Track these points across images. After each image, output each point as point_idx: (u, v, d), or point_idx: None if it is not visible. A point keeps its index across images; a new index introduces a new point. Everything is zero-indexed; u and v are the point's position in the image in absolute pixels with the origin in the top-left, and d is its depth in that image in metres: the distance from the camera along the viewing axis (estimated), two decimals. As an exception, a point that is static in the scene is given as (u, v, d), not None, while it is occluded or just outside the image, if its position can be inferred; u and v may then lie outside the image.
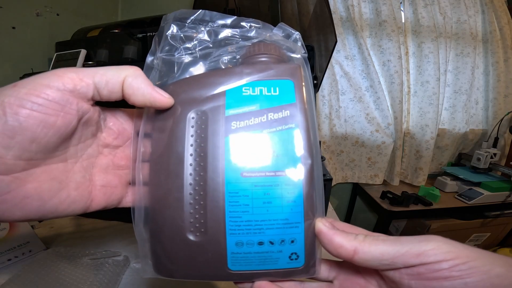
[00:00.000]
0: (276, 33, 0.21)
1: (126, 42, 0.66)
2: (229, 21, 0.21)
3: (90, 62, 0.65)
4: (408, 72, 1.05)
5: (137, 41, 0.66)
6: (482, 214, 0.93)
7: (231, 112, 0.17)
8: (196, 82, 0.18)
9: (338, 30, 0.96)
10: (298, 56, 0.20)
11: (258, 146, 0.17)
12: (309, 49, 0.72)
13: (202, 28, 0.21)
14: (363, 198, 1.18)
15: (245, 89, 0.18)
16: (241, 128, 0.17)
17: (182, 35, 0.21)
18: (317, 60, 0.73)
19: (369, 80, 1.01)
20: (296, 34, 0.21)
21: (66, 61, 0.66)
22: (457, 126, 1.09)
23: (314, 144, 0.18)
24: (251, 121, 0.17)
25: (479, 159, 0.98)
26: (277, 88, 0.18)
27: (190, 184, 0.17)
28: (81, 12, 0.87)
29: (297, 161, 0.17)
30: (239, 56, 0.20)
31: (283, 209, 0.17)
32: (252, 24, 0.21)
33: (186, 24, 0.21)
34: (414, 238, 0.16)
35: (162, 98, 0.18)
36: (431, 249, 0.15)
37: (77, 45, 0.68)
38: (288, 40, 0.21)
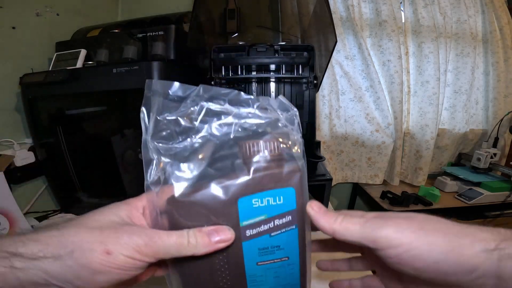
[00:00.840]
0: (275, 118, 0.22)
1: (126, 42, 0.66)
2: (221, 105, 0.22)
3: (90, 62, 0.65)
4: (408, 72, 1.05)
5: (137, 41, 0.66)
6: (482, 214, 0.93)
7: (245, 223, 0.21)
8: (209, 197, 0.21)
9: (338, 30, 0.96)
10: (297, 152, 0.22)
11: (267, 245, 0.22)
12: (309, 49, 0.72)
13: (192, 109, 0.22)
14: (363, 198, 1.18)
15: (254, 201, 0.21)
16: (254, 235, 0.22)
17: (174, 118, 0.22)
18: (317, 60, 0.73)
19: (369, 80, 1.01)
20: (294, 112, 0.23)
21: (66, 61, 0.66)
22: (457, 126, 1.09)
23: (306, 235, 0.23)
24: (261, 228, 0.22)
25: (479, 159, 0.98)
26: (281, 197, 0.21)
27: (218, 272, 0.22)
28: (81, 12, 0.87)
29: (295, 250, 0.23)
30: (238, 150, 0.22)
31: (286, 280, 0.24)
32: (247, 99, 0.22)
33: (173, 103, 0.23)
34: (378, 221, 0.18)
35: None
36: (381, 237, 0.17)
37: (77, 45, 0.68)
38: (286, 129, 0.23)
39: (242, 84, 0.76)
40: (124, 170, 0.67)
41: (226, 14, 0.82)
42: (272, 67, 0.74)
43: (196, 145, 0.22)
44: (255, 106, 0.22)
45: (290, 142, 0.22)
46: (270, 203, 0.21)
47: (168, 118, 0.22)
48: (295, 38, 0.92)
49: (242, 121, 0.22)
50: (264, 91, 0.76)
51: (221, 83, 0.75)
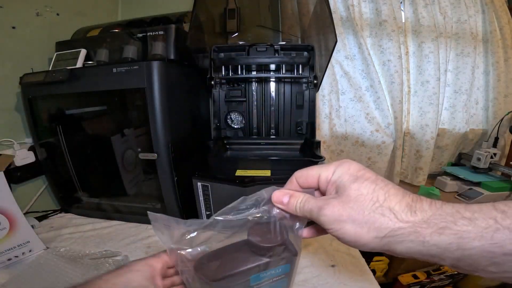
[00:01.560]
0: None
1: (126, 41, 0.66)
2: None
3: (90, 62, 0.65)
4: (408, 72, 1.05)
5: (137, 40, 0.66)
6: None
7: (253, 284, 0.31)
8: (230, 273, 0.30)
9: (338, 30, 0.96)
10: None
11: None
12: (309, 49, 0.72)
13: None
14: (363, 198, 1.18)
15: (262, 275, 0.31)
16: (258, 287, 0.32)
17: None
18: (317, 60, 0.73)
19: (369, 80, 1.01)
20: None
21: (66, 60, 0.66)
22: (457, 126, 1.09)
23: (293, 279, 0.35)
24: (264, 283, 0.32)
25: (479, 159, 0.98)
26: (280, 269, 0.31)
27: None
28: (81, 12, 0.87)
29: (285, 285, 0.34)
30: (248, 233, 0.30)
31: None
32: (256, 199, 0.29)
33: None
34: (321, 205, 0.24)
35: None
36: (324, 217, 0.23)
37: (77, 44, 0.68)
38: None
39: (242, 84, 0.76)
40: (124, 170, 0.67)
41: (226, 14, 0.82)
42: (272, 67, 0.74)
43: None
44: (261, 206, 0.29)
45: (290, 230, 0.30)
46: (272, 273, 0.31)
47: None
48: (295, 38, 0.92)
49: (250, 218, 0.29)
50: (264, 91, 0.76)
51: (221, 83, 0.75)
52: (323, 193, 0.27)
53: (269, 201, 0.29)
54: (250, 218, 0.29)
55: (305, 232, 0.31)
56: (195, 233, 0.29)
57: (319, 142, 0.68)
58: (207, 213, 0.59)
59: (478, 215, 0.19)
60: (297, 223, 0.29)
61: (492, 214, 0.18)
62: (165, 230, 0.29)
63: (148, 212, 0.28)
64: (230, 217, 0.28)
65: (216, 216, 0.28)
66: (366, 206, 0.22)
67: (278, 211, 0.29)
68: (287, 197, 0.27)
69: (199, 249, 0.29)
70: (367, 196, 0.22)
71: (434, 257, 0.20)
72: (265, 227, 0.30)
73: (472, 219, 0.19)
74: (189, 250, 0.29)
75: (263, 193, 0.29)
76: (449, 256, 0.19)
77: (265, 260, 0.30)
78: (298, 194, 0.27)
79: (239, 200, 0.29)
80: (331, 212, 0.23)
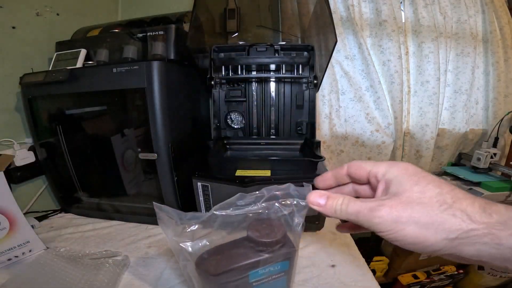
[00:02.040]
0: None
1: (126, 41, 0.66)
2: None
3: (90, 62, 0.65)
4: (408, 72, 1.05)
5: (137, 41, 0.66)
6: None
7: (253, 280, 0.32)
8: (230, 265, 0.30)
9: (338, 30, 0.96)
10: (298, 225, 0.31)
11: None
12: (309, 49, 0.72)
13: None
14: (363, 198, 1.18)
15: (261, 271, 0.31)
16: (258, 284, 0.33)
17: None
18: (317, 60, 0.73)
19: (369, 80, 1.01)
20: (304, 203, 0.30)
21: (66, 61, 0.66)
22: (457, 126, 1.09)
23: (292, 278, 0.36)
24: (263, 280, 0.32)
25: (479, 159, 0.98)
26: (279, 266, 0.32)
27: None
28: (81, 12, 0.87)
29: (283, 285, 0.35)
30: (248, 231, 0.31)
31: None
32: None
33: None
34: (373, 207, 0.22)
35: None
36: (378, 218, 0.22)
37: (77, 45, 0.68)
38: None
39: (242, 84, 0.76)
40: (124, 170, 0.67)
41: (226, 14, 0.82)
42: (272, 67, 0.74)
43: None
44: (260, 203, 0.29)
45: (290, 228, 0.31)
46: (271, 269, 0.32)
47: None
48: (295, 38, 0.92)
49: (250, 214, 0.30)
50: (264, 91, 0.76)
51: (221, 83, 0.75)
52: (373, 189, 0.26)
53: (269, 199, 0.29)
54: (250, 214, 0.29)
55: (339, 227, 0.30)
56: (195, 226, 0.29)
57: (319, 142, 0.68)
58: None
59: None
60: (296, 220, 0.30)
61: None
62: (168, 222, 0.29)
63: (153, 203, 0.29)
64: (229, 212, 0.29)
65: (215, 211, 0.28)
66: (433, 208, 0.20)
67: (277, 206, 0.29)
68: (323, 199, 0.26)
69: (200, 243, 0.30)
70: (432, 199, 0.21)
71: (507, 261, 0.19)
72: (264, 224, 0.30)
73: None
74: (190, 243, 0.30)
75: (264, 191, 0.30)
76: None
77: (264, 255, 0.30)
78: (336, 195, 0.25)
79: (236, 196, 0.29)
80: (387, 213, 0.21)
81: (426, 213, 0.20)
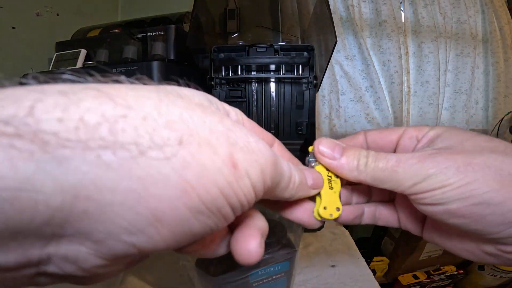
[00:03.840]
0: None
1: (126, 42, 0.66)
2: None
3: (90, 62, 0.65)
4: (408, 72, 1.05)
5: (137, 41, 0.66)
6: None
7: (253, 281, 0.32)
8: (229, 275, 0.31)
9: (338, 30, 0.96)
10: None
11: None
12: (309, 49, 0.72)
13: None
14: (363, 198, 1.18)
15: (261, 271, 0.32)
16: (258, 284, 0.33)
17: None
18: (317, 60, 0.73)
19: (369, 80, 1.01)
20: None
21: (66, 61, 0.66)
22: (457, 126, 1.09)
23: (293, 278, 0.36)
24: (264, 281, 0.33)
25: (479, 159, 0.98)
26: (280, 266, 0.33)
27: None
28: (81, 12, 0.87)
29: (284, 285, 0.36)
30: None
31: None
32: None
33: None
34: (412, 163, 0.15)
35: None
36: (433, 170, 0.14)
37: (77, 45, 0.68)
38: None
39: (242, 84, 0.76)
40: (124, 170, 0.67)
41: (226, 14, 0.82)
42: (272, 67, 0.74)
43: None
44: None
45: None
46: (271, 270, 0.32)
47: None
48: (295, 38, 0.92)
49: None
50: (264, 91, 0.76)
51: (221, 83, 0.75)
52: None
53: None
54: None
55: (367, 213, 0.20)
56: None
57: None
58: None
59: None
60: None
61: None
62: None
63: None
64: None
65: None
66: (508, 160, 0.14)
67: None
68: (340, 150, 0.17)
69: None
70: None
71: None
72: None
73: None
74: None
75: None
76: None
77: (264, 256, 0.31)
78: (357, 148, 0.18)
79: None
80: (448, 160, 0.14)
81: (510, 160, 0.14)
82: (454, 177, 0.13)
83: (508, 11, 1.05)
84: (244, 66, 0.70)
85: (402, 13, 1.03)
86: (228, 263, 0.30)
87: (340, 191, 0.18)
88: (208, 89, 0.75)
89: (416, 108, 1.07)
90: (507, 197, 0.13)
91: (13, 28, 0.67)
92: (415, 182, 0.14)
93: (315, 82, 0.72)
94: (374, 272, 1.11)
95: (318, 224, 0.18)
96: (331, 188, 0.17)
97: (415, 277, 1.02)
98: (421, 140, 0.17)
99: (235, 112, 0.15)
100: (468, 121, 1.10)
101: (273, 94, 0.76)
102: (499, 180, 0.13)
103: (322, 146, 0.17)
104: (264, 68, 0.74)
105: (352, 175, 0.17)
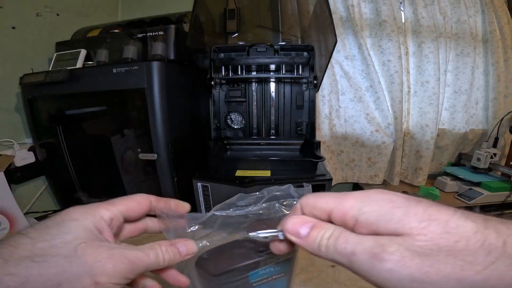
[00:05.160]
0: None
1: (126, 42, 0.66)
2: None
3: (90, 62, 0.65)
4: (408, 72, 1.05)
5: (137, 41, 0.66)
6: (482, 214, 0.93)
7: (253, 281, 0.32)
8: (229, 264, 0.30)
9: (338, 30, 0.96)
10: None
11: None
12: (309, 49, 0.72)
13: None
14: (363, 198, 1.18)
15: (261, 271, 0.32)
16: (258, 285, 0.32)
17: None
18: (317, 60, 0.73)
19: (369, 80, 1.01)
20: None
21: (66, 61, 0.66)
22: (457, 126, 1.09)
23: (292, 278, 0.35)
24: (263, 281, 0.32)
25: (479, 159, 0.98)
26: (279, 266, 0.32)
27: None
28: (81, 12, 0.87)
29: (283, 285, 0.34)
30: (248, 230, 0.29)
31: None
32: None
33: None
34: (377, 240, 0.16)
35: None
36: (387, 274, 0.15)
37: (77, 45, 0.68)
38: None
39: (242, 84, 0.76)
40: (124, 170, 0.67)
41: (226, 14, 0.82)
42: (272, 67, 0.74)
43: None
44: (260, 204, 0.29)
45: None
46: (271, 270, 0.32)
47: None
48: (295, 38, 0.92)
49: (250, 215, 0.29)
50: (264, 91, 0.76)
51: (221, 83, 0.75)
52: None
53: (269, 199, 0.29)
54: (250, 215, 0.29)
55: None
56: (196, 227, 0.29)
57: (319, 143, 0.68)
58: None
59: None
60: None
61: None
62: (169, 222, 0.29)
63: None
64: (229, 212, 0.29)
65: (215, 211, 0.29)
66: (477, 260, 0.13)
67: (277, 207, 0.29)
68: (307, 227, 0.19)
69: (200, 244, 0.30)
70: (471, 240, 0.14)
71: None
72: (264, 224, 0.30)
73: None
74: None
75: (264, 191, 0.30)
76: None
77: (264, 256, 0.31)
78: (327, 225, 0.18)
79: (236, 196, 0.29)
80: (399, 266, 0.14)
81: (464, 268, 0.13)
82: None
83: (508, 11, 1.05)
84: (244, 66, 0.70)
85: (402, 13, 1.03)
86: (228, 263, 0.30)
87: None
88: (208, 89, 0.75)
89: (416, 108, 1.07)
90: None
91: (13, 28, 0.67)
92: (368, 279, 0.16)
93: (315, 82, 0.72)
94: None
95: None
96: None
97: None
98: (356, 225, 0.17)
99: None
100: (468, 121, 1.10)
101: (273, 94, 0.76)
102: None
103: (290, 225, 0.20)
104: (264, 68, 0.74)
105: (315, 254, 0.18)
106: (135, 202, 0.25)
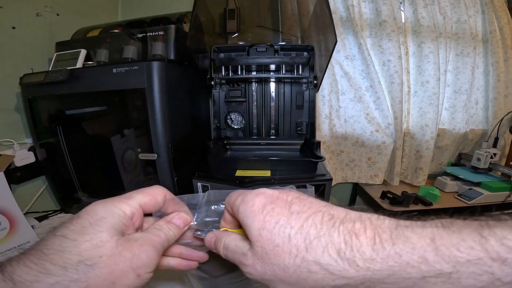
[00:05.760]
0: None
1: (126, 42, 0.66)
2: None
3: (90, 62, 0.65)
4: (408, 72, 1.05)
5: (137, 41, 0.66)
6: (482, 214, 0.93)
7: (255, 285, 0.31)
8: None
9: (338, 30, 0.96)
10: None
11: None
12: (309, 49, 0.72)
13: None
14: (363, 198, 1.18)
15: None
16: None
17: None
18: (317, 60, 0.73)
19: (369, 80, 1.01)
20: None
21: (66, 61, 0.66)
22: (457, 126, 1.09)
23: None
24: None
25: (479, 159, 0.98)
26: None
27: None
28: (81, 12, 0.87)
29: None
30: None
31: None
32: None
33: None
34: (242, 249, 0.21)
35: None
36: (249, 275, 0.20)
37: (77, 45, 0.68)
38: None
39: (242, 84, 0.76)
40: (124, 170, 0.67)
41: (226, 14, 0.82)
42: (272, 67, 0.74)
43: None
44: None
45: None
46: None
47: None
48: (295, 38, 0.92)
49: None
50: (264, 91, 0.76)
51: (221, 83, 0.75)
52: None
53: None
54: None
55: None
56: (195, 227, 0.29)
57: (319, 143, 0.68)
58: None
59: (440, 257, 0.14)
60: None
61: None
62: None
63: None
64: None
65: (216, 205, 0.29)
66: (288, 263, 0.17)
67: None
68: (213, 241, 0.24)
69: (195, 215, 0.30)
70: (284, 248, 0.17)
71: None
72: None
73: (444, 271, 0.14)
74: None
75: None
76: None
77: None
78: (223, 236, 0.23)
79: (238, 191, 0.29)
80: (253, 270, 0.19)
81: (284, 270, 0.17)
82: (264, 282, 0.19)
83: (508, 11, 1.05)
84: (244, 66, 0.70)
85: (402, 13, 1.03)
86: (229, 264, 0.30)
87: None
88: (208, 89, 0.75)
89: (416, 108, 1.07)
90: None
91: (13, 28, 0.67)
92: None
93: (315, 82, 0.72)
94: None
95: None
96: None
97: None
98: (241, 223, 0.22)
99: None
100: (468, 121, 1.10)
101: (273, 94, 0.76)
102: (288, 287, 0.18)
103: (207, 239, 0.25)
104: (264, 68, 0.74)
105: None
106: (151, 197, 0.25)
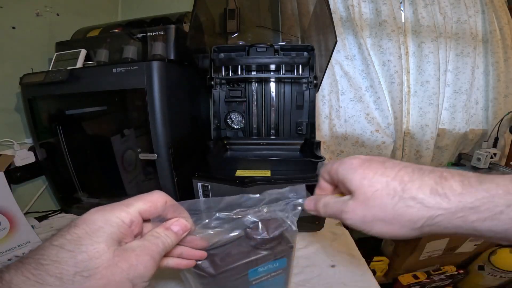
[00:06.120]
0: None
1: (126, 42, 0.66)
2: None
3: (90, 62, 0.65)
4: (408, 72, 1.05)
5: (137, 41, 0.66)
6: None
7: (252, 279, 0.33)
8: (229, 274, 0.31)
9: (338, 30, 0.96)
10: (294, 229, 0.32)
11: (265, 284, 0.34)
12: (309, 49, 0.72)
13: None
14: (363, 198, 1.19)
15: (259, 269, 0.32)
16: (257, 283, 0.33)
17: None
18: (317, 60, 0.73)
19: (369, 80, 1.01)
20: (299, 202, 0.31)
21: (66, 61, 0.66)
22: (457, 126, 1.09)
23: (290, 273, 0.36)
24: (262, 279, 0.33)
25: (479, 159, 0.98)
26: (277, 263, 0.34)
27: None
28: (81, 12, 0.87)
29: (282, 283, 0.36)
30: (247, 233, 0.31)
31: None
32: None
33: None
34: (342, 200, 0.24)
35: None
36: (349, 220, 0.23)
37: (77, 45, 0.68)
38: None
39: (242, 84, 0.76)
40: (124, 170, 0.67)
41: (226, 14, 0.82)
42: (272, 67, 0.74)
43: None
44: (260, 207, 0.30)
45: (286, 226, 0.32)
46: (269, 267, 0.33)
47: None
48: (295, 38, 0.92)
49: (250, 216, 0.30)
50: (264, 91, 0.76)
51: (221, 83, 0.75)
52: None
53: (269, 202, 0.29)
54: (249, 216, 0.29)
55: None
56: (195, 227, 0.29)
57: (319, 143, 0.68)
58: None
59: None
60: (291, 218, 0.31)
61: None
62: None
63: None
64: (231, 215, 0.29)
65: (218, 213, 0.29)
66: (387, 203, 0.20)
67: (274, 206, 0.30)
68: (312, 203, 0.28)
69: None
70: (383, 191, 0.21)
71: (483, 236, 0.19)
72: (262, 223, 0.30)
73: None
74: None
75: (265, 194, 0.30)
76: (503, 237, 0.18)
77: (262, 253, 0.31)
78: (321, 197, 0.27)
79: (237, 196, 0.30)
80: (353, 215, 0.22)
81: (383, 209, 0.21)
82: (362, 227, 0.23)
83: (508, 11, 1.05)
84: (244, 66, 0.70)
85: (402, 13, 1.03)
86: (227, 261, 0.30)
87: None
88: (208, 89, 0.75)
89: (416, 108, 1.07)
90: (393, 234, 0.21)
91: (13, 28, 0.67)
92: (347, 225, 0.24)
93: (315, 82, 0.72)
94: (374, 272, 1.11)
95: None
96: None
97: (415, 277, 1.02)
98: (339, 182, 0.26)
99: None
100: (468, 121, 1.10)
101: (273, 94, 0.76)
102: (386, 225, 0.21)
103: (306, 204, 0.29)
104: (264, 68, 0.74)
105: (325, 216, 0.27)
106: (151, 204, 0.25)
